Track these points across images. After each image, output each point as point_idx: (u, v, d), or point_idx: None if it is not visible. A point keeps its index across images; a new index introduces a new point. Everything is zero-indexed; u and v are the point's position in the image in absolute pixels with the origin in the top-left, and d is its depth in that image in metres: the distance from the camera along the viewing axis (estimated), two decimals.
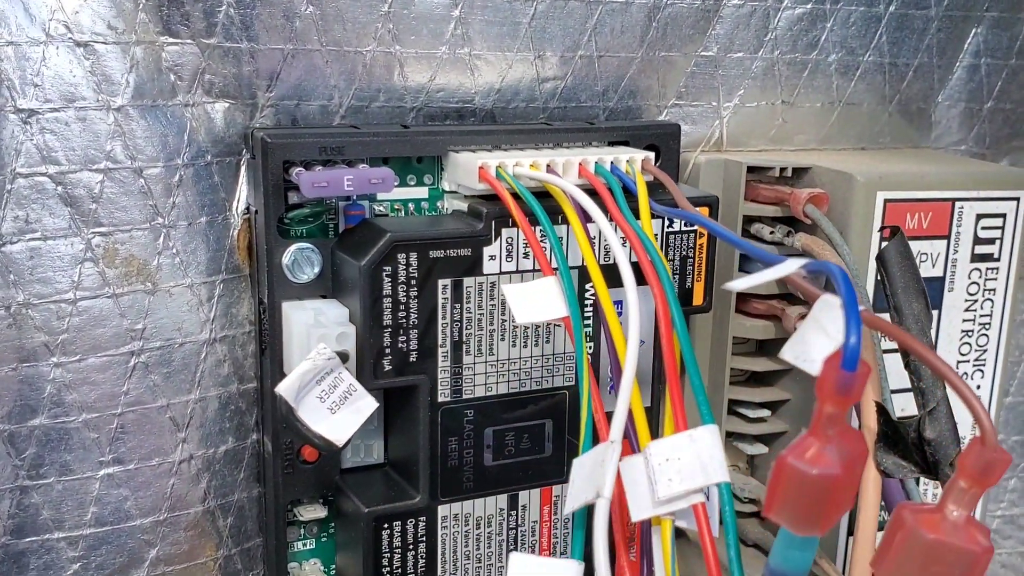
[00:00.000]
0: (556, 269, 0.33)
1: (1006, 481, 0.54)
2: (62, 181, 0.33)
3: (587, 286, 0.37)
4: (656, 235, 0.38)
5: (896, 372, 0.36)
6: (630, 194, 0.36)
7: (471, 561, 0.38)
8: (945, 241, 0.41)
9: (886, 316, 0.34)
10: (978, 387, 0.43)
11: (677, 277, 0.39)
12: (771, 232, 0.41)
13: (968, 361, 0.42)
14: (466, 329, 0.36)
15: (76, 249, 0.34)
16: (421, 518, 0.37)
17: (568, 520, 0.39)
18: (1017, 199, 0.41)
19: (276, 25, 0.36)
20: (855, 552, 0.31)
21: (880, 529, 0.30)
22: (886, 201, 0.39)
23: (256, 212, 0.36)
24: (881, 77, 0.46)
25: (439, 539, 0.37)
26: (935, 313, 0.41)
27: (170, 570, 0.37)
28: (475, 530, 0.38)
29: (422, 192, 0.38)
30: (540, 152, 0.38)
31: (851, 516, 0.40)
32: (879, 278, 0.34)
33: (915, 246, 0.40)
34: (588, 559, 0.28)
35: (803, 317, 0.37)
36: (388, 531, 0.36)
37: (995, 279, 0.42)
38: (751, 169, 0.41)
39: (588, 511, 0.29)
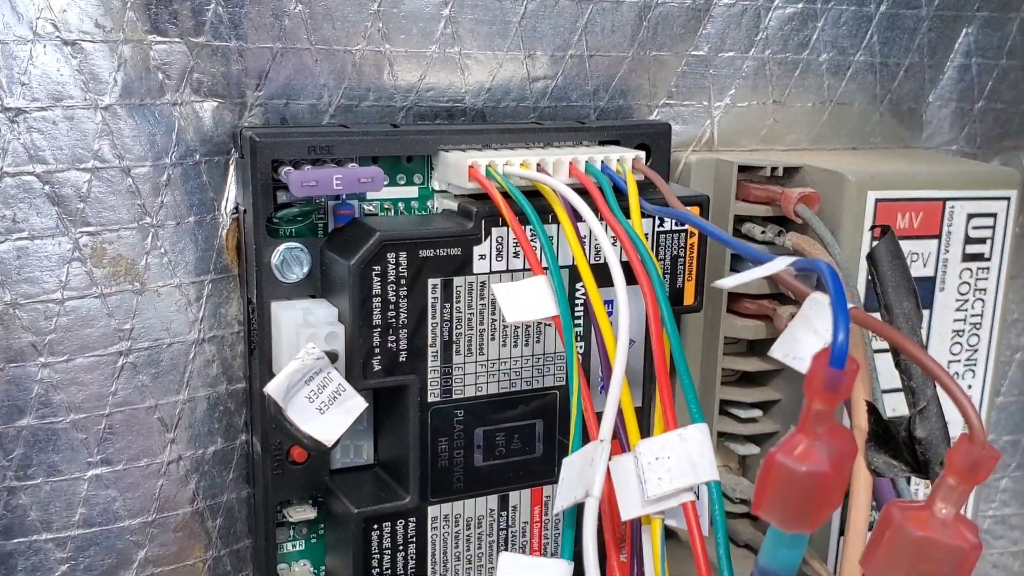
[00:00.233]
0: (546, 268, 0.33)
1: (997, 481, 0.54)
2: (49, 180, 0.33)
3: (577, 286, 0.37)
4: (647, 234, 0.38)
5: (887, 372, 0.36)
6: (620, 193, 0.35)
7: (461, 562, 0.38)
8: (936, 241, 0.41)
9: (877, 315, 0.33)
10: (969, 387, 0.43)
11: (668, 277, 0.39)
12: (762, 232, 0.41)
13: (959, 361, 0.42)
14: (456, 329, 0.36)
15: (63, 249, 0.34)
16: (411, 519, 0.37)
17: (559, 520, 0.39)
18: (1008, 199, 0.42)
19: (265, 24, 0.36)
20: (846, 551, 0.31)
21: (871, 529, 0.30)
22: (877, 201, 0.40)
23: (245, 212, 0.36)
24: (872, 77, 0.46)
25: (429, 540, 0.37)
26: (926, 313, 0.41)
27: (159, 571, 0.37)
28: (465, 531, 0.38)
29: (412, 191, 0.38)
30: (530, 151, 0.37)
31: (842, 516, 0.40)
32: (870, 277, 0.34)
33: (906, 246, 0.40)
34: (578, 559, 0.28)
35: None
36: (378, 532, 0.36)
37: (986, 279, 0.42)
38: (742, 169, 0.41)
39: (578, 510, 0.29)
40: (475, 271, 0.36)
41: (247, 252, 0.36)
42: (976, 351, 0.42)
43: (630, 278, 0.31)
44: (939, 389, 0.32)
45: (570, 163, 0.36)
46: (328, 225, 0.37)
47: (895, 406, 0.39)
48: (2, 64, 0.32)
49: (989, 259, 0.42)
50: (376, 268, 0.34)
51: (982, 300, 0.42)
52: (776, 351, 0.26)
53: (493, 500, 0.38)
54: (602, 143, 0.39)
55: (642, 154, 0.38)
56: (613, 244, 0.34)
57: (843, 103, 0.46)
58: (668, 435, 0.28)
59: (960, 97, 0.48)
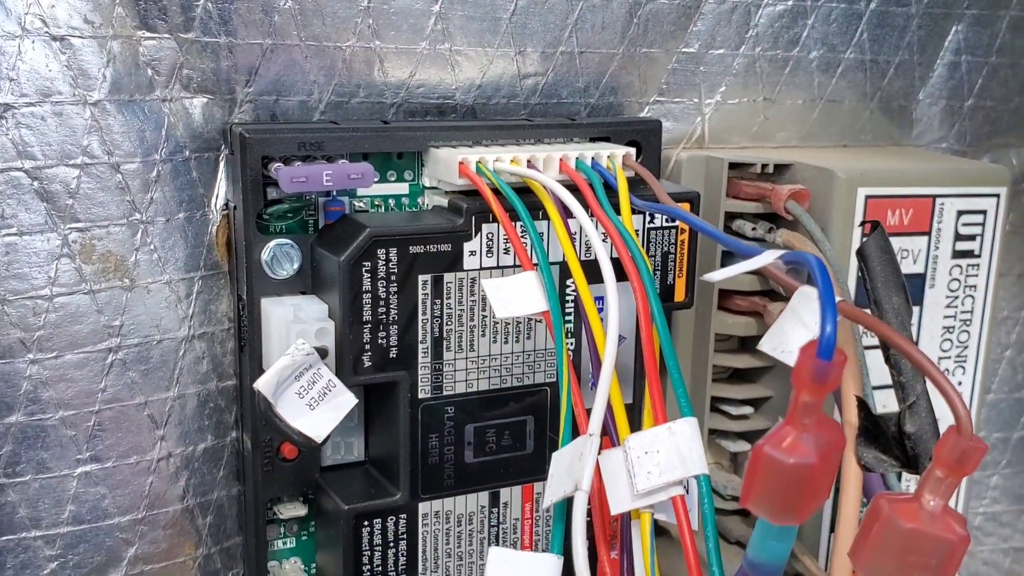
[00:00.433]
0: (536, 264, 0.33)
1: (988, 478, 0.54)
2: (38, 176, 0.33)
3: (568, 282, 0.37)
4: (637, 231, 0.38)
5: (877, 368, 0.36)
6: (611, 190, 0.36)
7: (452, 559, 0.38)
8: (926, 238, 0.41)
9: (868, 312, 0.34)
10: (960, 384, 0.43)
11: (658, 273, 0.39)
12: (753, 228, 0.41)
13: (950, 358, 0.42)
14: (446, 325, 0.36)
15: (52, 245, 0.34)
16: (402, 516, 0.37)
17: (549, 517, 0.39)
18: (997, 196, 0.42)
19: (255, 20, 0.36)
20: (836, 546, 0.31)
21: None
22: (867, 197, 0.40)
23: (235, 208, 0.36)
24: (862, 74, 0.46)
25: (420, 537, 0.37)
26: (916, 310, 0.41)
27: (148, 569, 0.37)
28: (456, 527, 0.38)
29: (402, 188, 0.38)
30: (521, 148, 0.38)
31: (833, 511, 0.40)
32: (860, 274, 0.34)
33: (896, 242, 0.40)
34: (568, 554, 0.28)
35: None
36: (368, 529, 0.36)
37: (976, 275, 0.42)
38: (733, 166, 0.41)
39: (567, 505, 0.29)
40: (465, 267, 0.36)
41: (237, 248, 0.36)
42: (966, 348, 0.42)
43: (620, 274, 0.31)
44: (929, 385, 0.32)
45: (560, 160, 0.36)
46: (318, 221, 0.37)
47: (885, 403, 0.39)
48: None
49: (979, 256, 0.42)
50: (366, 264, 0.34)
51: (972, 297, 0.42)
52: (765, 345, 0.26)
53: (484, 497, 0.38)
54: (592, 140, 0.40)
55: (632, 151, 0.38)
56: (603, 241, 0.34)
57: (833, 100, 0.46)
58: (657, 429, 0.28)
59: (950, 95, 0.48)
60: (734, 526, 0.44)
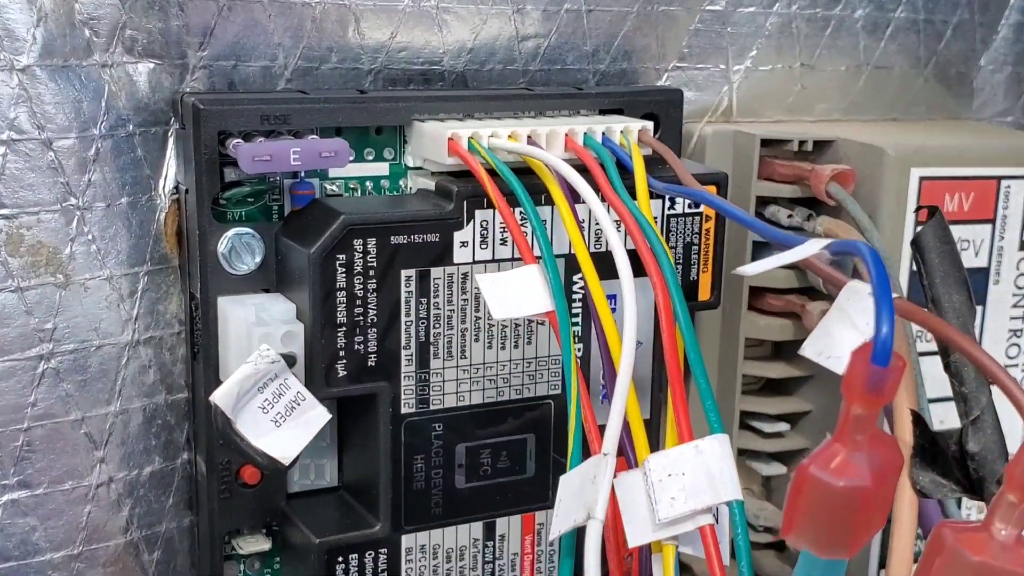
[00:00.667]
0: (539, 257, 0.33)
1: None
2: None
3: (576, 277, 0.37)
4: (655, 218, 0.38)
5: (934, 378, 0.36)
6: (625, 170, 0.36)
7: None
8: (990, 226, 0.41)
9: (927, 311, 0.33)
10: None
11: (680, 267, 0.39)
12: (789, 216, 0.41)
13: (1017, 365, 0.43)
14: (434, 328, 0.36)
15: None
16: (382, 550, 0.37)
17: (554, 550, 0.39)
18: None
19: None
20: None
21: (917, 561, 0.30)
22: (921, 179, 0.40)
23: (186, 192, 0.36)
24: (915, 37, 0.47)
25: (403, 575, 0.37)
26: (979, 309, 0.41)
27: None
28: (445, 563, 0.38)
29: (382, 168, 0.38)
30: (520, 121, 0.38)
31: (883, 544, 0.41)
32: (914, 267, 0.34)
33: (955, 231, 0.38)
34: None
35: None
36: (343, 565, 0.36)
37: None
38: (765, 142, 0.42)
39: (577, 536, 0.29)
40: (456, 261, 0.36)
41: (189, 239, 0.36)
42: None
43: (637, 268, 0.32)
44: (995, 395, 0.32)
45: (566, 135, 0.37)
46: (284, 207, 0.37)
47: (943, 418, 0.39)
48: None
49: None
50: (340, 257, 0.34)
51: None
52: (807, 349, 0.26)
53: (477, 528, 0.38)
54: (603, 112, 0.40)
55: (650, 125, 0.38)
56: (617, 229, 0.34)
57: (882, 67, 0.46)
58: (682, 447, 0.28)
59: (1016, 60, 0.49)
60: (768, 561, 0.44)
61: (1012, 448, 0.31)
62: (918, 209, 0.39)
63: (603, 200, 0.33)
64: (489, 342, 0.37)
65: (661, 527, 0.28)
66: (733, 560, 0.29)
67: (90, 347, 0.36)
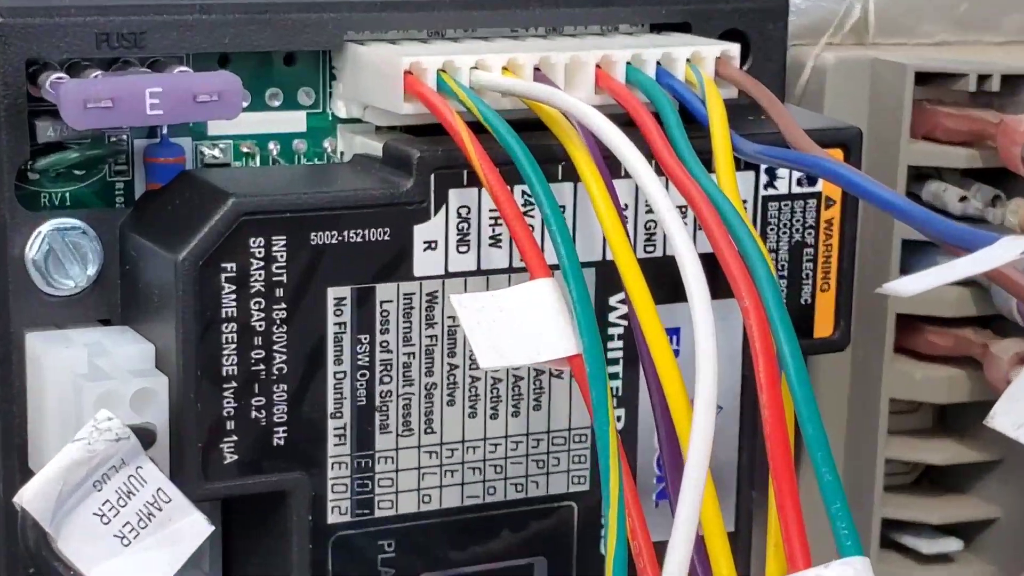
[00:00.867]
0: (555, 267, 0.31)
1: None
2: None
3: (614, 300, 0.35)
4: (744, 202, 0.36)
5: None
6: (695, 123, 0.34)
7: None
8: None
9: None
10: None
11: (785, 283, 0.37)
12: (962, 198, 0.40)
13: None
14: (382, 383, 0.34)
15: None
16: None
17: None
18: None
19: None
20: None
21: None
22: None
23: None
24: None
25: None
26: None
27: None
28: None
29: (295, 119, 0.36)
30: (522, 43, 0.36)
31: None
32: None
33: None
34: None
35: None
36: None
37: None
38: (923, 78, 0.40)
39: None
40: (418, 273, 0.34)
41: None
42: None
43: (718, 286, 0.30)
44: None
45: (597, 67, 0.35)
46: (134, 185, 0.35)
47: None
48: None
49: None
50: (228, 267, 0.32)
51: None
52: (998, 419, 0.26)
53: None
54: (657, 29, 0.38)
55: (735, 49, 0.36)
56: (683, 219, 0.31)
57: None
58: None
59: None
60: None
61: None
62: None
63: (659, 173, 0.31)
64: (472, 407, 0.35)
65: None
66: None
67: None
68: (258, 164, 0.36)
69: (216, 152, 0.35)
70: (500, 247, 0.34)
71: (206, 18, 0.33)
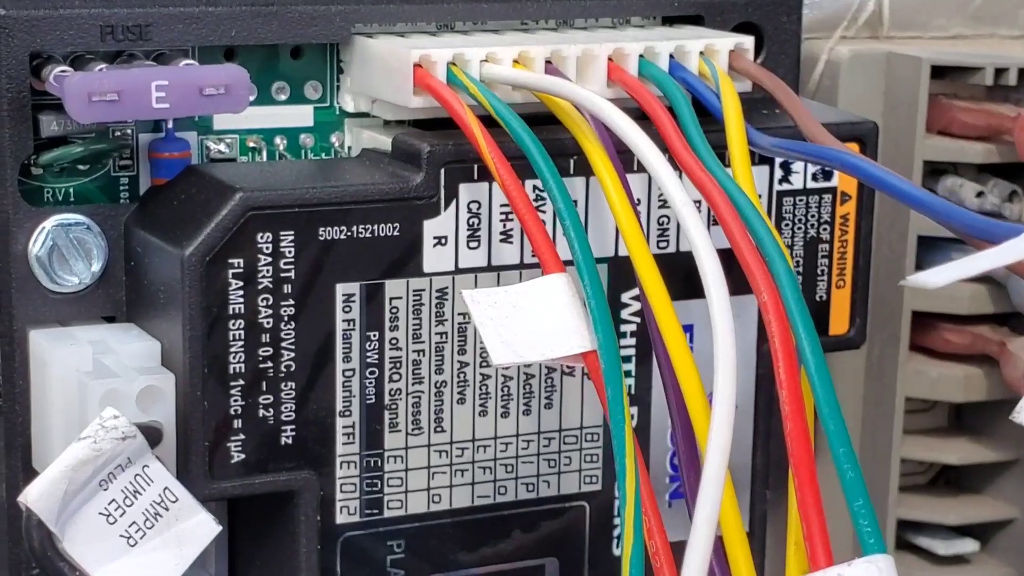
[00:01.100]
0: (568, 263, 0.32)
1: None
2: None
3: (627, 296, 0.36)
4: (760, 196, 0.37)
5: None
6: (709, 116, 0.34)
7: None
8: None
9: None
10: None
11: (801, 278, 0.37)
12: (979, 193, 0.41)
13: None
14: (391, 381, 0.34)
15: None
16: None
17: None
18: None
19: None
20: None
21: None
22: None
23: None
24: None
25: None
26: None
27: None
28: None
29: (302, 113, 0.37)
30: (534, 36, 0.37)
31: None
32: None
33: None
34: None
35: None
36: None
37: None
38: (938, 72, 0.41)
39: None
40: (428, 269, 0.34)
41: None
42: None
43: (736, 282, 0.30)
44: None
45: (609, 59, 0.35)
46: (139, 180, 0.35)
47: None
48: None
49: None
50: (235, 263, 0.32)
51: None
52: (1021, 416, 0.26)
53: None
54: (670, 22, 0.39)
55: (749, 42, 0.37)
56: (698, 213, 0.31)
57: None
58: None
59: None
60: None
61: None
62: None
63: (674, 167, 0.32)
64: (483, 405, 0.36)
65: None
66: None
67: None
68: (264, 160, 0.37)
69: (222, 147, 0.36)
70: (511, 243, 0.35)
71: (212, 10, 0.34)
